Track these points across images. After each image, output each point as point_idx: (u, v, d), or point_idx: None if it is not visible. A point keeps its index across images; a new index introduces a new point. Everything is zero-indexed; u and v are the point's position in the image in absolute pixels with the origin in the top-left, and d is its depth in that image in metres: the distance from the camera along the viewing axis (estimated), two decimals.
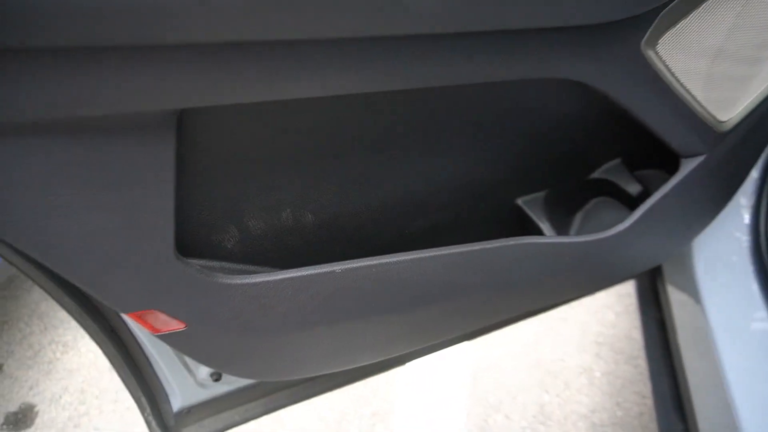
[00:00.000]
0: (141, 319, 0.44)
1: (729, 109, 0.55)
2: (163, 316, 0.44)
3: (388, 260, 0.50)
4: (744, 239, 0.84)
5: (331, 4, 0.31)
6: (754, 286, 0.78)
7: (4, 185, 0.33)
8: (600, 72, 0.44)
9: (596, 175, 0.67)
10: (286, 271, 0.46)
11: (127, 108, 0.32)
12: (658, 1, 0.41)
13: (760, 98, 0.57)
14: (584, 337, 1.26)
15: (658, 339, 0.98)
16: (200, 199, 0.45)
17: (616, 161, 0.66)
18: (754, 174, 0.87)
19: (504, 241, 0.55)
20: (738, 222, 0.87)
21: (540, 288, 0.64)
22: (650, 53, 0.44)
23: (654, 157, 0.64)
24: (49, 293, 0.54)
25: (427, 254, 0.51)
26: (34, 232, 0.36)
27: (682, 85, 0.48)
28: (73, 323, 1.43)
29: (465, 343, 0.87)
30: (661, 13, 0.43)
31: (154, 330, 0.46)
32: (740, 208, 0.88)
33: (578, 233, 0.68)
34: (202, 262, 0.46)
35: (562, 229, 0.66)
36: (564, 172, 0.64)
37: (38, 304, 1.53)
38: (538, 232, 0.63)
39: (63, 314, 1.51)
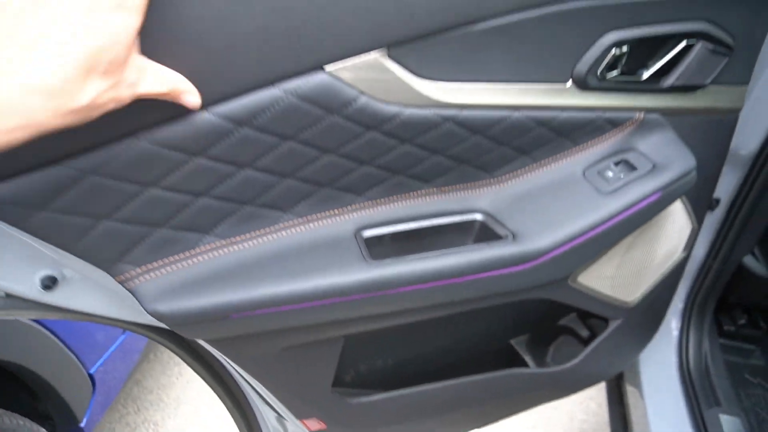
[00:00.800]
0: (303, 422, 0.82)
1: (632, 293, 0.94)
2: (317, 421, 0.82)
3: (434, 386, 0.88)
4: (674, 359, 1.21)
5: None
6: (681, 402, 1.13)
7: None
8: None
9: (562, 323, 1.05)
10: (386, 392, 0.85)
11: None
12: None
13: (655, 283, 0.96)
14: (571, 424, 1.61)
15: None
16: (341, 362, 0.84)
17: (573, 314, 1.04)
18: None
19: (502, 371, 0.93)
20: (669, 342, 1.23)
21: (526, 398, 1.02)
22: (573, 285, 0.83)
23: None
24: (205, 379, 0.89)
25: (463, 380, 0.89)
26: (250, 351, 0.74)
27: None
28: (162, 404, 1.79)
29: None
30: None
31: (308, 427, 0.83)
32: (671, 330, 1.25)
33: (551, 360, 1.05)
34: (339, 389, 0.85)
35: (540, 358, 1.04)
36: (541, 324, 1.03)
37: (131, 389, 1.90)
38: (524, 362, 1.01)
39: (152, 396, 1.87)
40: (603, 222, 0.71)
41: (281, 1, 0.47)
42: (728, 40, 0.71)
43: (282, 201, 0.62)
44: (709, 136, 0.82)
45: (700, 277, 1.17)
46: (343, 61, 0.53)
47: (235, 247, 0.62)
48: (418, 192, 0.70)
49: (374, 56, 0.54)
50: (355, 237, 0.66)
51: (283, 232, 0.64)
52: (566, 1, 0.60)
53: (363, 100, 0.55)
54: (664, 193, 0.72)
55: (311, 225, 0.65)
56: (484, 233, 0.72)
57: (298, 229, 0.65)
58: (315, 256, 0.63)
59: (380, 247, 0.68)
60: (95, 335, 1.47)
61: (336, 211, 0.66)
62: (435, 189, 0.71)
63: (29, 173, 0.46)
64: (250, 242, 0.63)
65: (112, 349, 1.51)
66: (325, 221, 0.66)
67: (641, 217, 0.74)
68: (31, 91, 0.35)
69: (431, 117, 0.60)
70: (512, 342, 1.03)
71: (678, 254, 0.95)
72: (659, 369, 1.20)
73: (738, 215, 1.08)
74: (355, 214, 0.67)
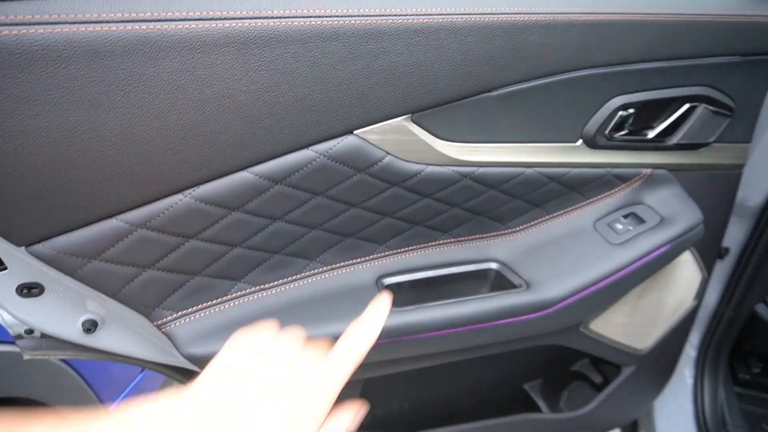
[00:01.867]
0: None
1: (644, 340, 0.96)
2: None
3: (449, 430, 0.89)
4: (689, 408, 1.21)
5: None
6: None
7: None
8: None
9: (575, 368, 1.06)
10: None
11: None
12: None
13: (667, 331, 0.98)
14: None
15: None
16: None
17: (586, 360, 1.06)
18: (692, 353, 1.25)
19: (516, 416, 0.94)
20: (684, 390, 1.23)
21: None
22: (586, 331, 0.86)
23: None
24: None
25: (477, 424, 0.90)
26: None
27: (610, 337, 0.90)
28: None
29: None
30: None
31: None
32: (686, 379, 1.25)
33: (565, 405, 1.06)
34: None
35: (553, 403, 1.05)
36: (554, 369, 1.05)
37: None
38: (537, 407, 1.02)
39: None
40: (613, 272, 0.74)
41: (317, 72, 0.52)
42: (729, 102, 0.75)
43: (309, 250, 0.66)
44: (715, 190, 0.85)
45: (713, 325, 1.18)
46: (371, 126, 0.58)
47: (265, 293, 0.66)
48: (437, 242, 0.74)
49: (399, 121, 0.59)
50: (377, 284, 0.70)
51: (310, 279, 0.68)
52: (575, 70, 0.65)
53: (388, 159, 0.60)
54: (673, 245, 0.76)
55: (336, 272, 0.69)
56: (499, 282, 0.75)
57: (323, 276, 0.68)
58: (339, 302, 0.67)
59: (400, 294, 0.71)
60: (113, 373, 1.50)
61: (359, 259, 0.70)
62: (452, 239, 0.75)
63: (87, 226, 0.51)
64: (279, 288, 0.67)
65: (130, 387, 1.53)
66: (348, 269, 0.70)
67: (651, 268, 0.77)
68: None
69: (450, 174, 0.65)
70: (526, 387, 1.04)
71: (689, 303, 0.97)
72: (675, 418, 1.20)
73: (748, 264, 1.10)
74: (376, 262, 0.71)
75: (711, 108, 0.74)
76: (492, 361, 0.96)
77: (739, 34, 0.70)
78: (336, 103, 0.54)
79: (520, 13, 0.57)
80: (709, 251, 0.93)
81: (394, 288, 0.71)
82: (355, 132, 0.57)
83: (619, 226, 0.77)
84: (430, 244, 0.74)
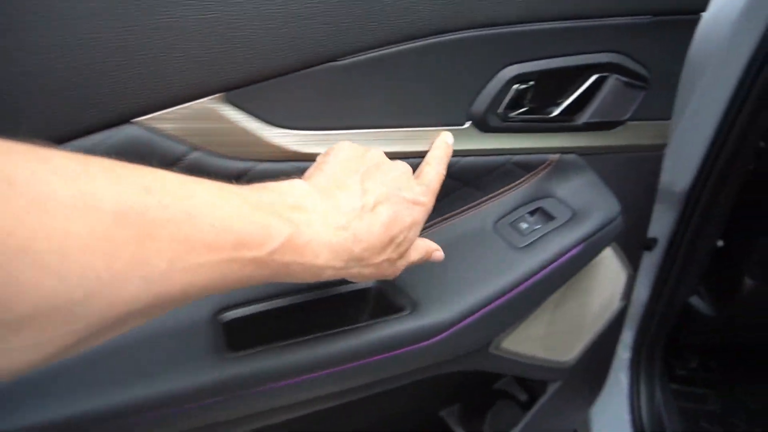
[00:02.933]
0: None
1: (569, 352, 0.84)
2: None
3: None
4: (626, 415, 1.11)
5: None
6: None
7: None
8: None
9: (497, 386, 0.93)
10: None
11: None
12: None
13: (594, 338, 0.86)
14: None
15: None
16: None
17: (509, 377, 0.93)
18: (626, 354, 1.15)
19: None
20: (620, 395, 1.13)
21: None
22: (496, 352, 0.72)
23: None
24: None
25: None
26: None
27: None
28: None
29: None
30: None
31: None
32: (621, 382, 1.15)
33: (489, 429, 0.93)
34: None
35: (476, 429, 0.92)
36: (473, 391, 0.91)
37: None
38: None
39: None
40: (520, 282, 0.60)
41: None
42: (643, 72, 0.63)
43: None
44: (635, 174, 0.73)
45: (646, 323, 1.08)
46: (162, 111, 0.41)
47: None
48: None
49: (206, 103, 0.43)
50: (213, 321, 0.54)
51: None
52: (452, 31, 0.50)
53: (195, 156, 0.44)
54: (589, 243, 0.63)
55: (160, 318, 0.52)
56: (381, 304, 0.60)
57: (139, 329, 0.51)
58: (160, 350, 0.50)
59: (245, 333, 0.55)
60: None
61: None
62: None
63: None
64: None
65: None
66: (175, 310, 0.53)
67: (565, 272, 0.64)
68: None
69: (292, 172, 0.49)
70: (442, 414, 0.91)
71: (616, 304, 0.86)
72: (612, 426, 1.10)
73: (678, 254, 1.01)
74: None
75: (623, 79, 0.62)
76: (396, 391, 0.81)
77: None
78: (104, 76, 0.38)
79: None
80: (633, 245, 0.82)
81: (236, 325, 0.55)
82: (134, 120, 0.41)
83: (524, 226, 0.63)
84: None
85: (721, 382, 1.25)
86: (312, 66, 0.46)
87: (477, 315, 0.59)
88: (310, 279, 0.36)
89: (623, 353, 1.12)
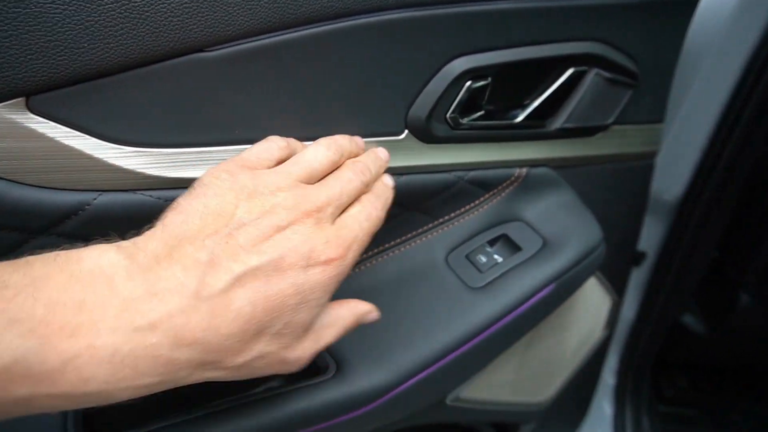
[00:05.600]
0: None
1: (543, 392, 0.72)
2: None
3: None
4: None
5: None
6: None
7: None
8: None
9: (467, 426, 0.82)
10: None
11: None
12: None
13: (572, 375, 0.75)
14: None
15: None
16: None
17: None
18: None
19: None
20: (604, 427, 1.02)
21: None
22: (455, 404, 0.60)
23: None
24: None
25: None
26: None
27: None
28: None
29: None
30: None
31: None
32: (604, 411, 1.04)
33: None
34: None
35: None
36: None
37: None
38: None
39: None
40: (478, 332, 0.48)
41: None
42: (631, 66, 0.51)
43: None
44: (620, 189, 0.62)
45: (632, 345, 0.97)
46: None
47: None
48: None
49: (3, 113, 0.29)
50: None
51: None
52: (374, 11, 0.37)
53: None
54: (562, 281, 0.51)
55: None
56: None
57: None
58: None
59: (130, 413, 0.42)
60: None
61: None
62: None
63: None
64: None
65: None
66: None
67: (534, 316, 0.52)
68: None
69: (153, 204, 0.36)
70: None
71: (597, 334, 0.74)
72: None
73: (670, 269, 0.89)
74: None
75: (606, 74, 0.50)
76: None
77: None
78: None
79: None
80: (618, 268, 0.70)
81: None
82: None
83: (484, 259, 0.51)
84: None
85: (712, 403, 1.15)
86: (171, 57, 0.32)
87: (423, 374, 0.47)
88: (87, 405, 0.24)
89: (608, 379, 1.01)
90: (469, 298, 0.48)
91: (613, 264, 0.67)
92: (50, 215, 0.33)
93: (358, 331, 0.46)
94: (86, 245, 0.27)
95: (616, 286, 0.71)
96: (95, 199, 0.33)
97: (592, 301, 0.68)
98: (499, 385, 0.64)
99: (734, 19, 0.66)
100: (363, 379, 0.45)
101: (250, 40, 0.34)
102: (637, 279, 0.92)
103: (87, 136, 0.32)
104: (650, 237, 0.87)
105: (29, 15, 0.28)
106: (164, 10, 0.31)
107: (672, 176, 0.80)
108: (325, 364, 0.46)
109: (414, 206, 0.49)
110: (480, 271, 0.50)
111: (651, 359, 1.02)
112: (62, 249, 0.26)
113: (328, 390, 0.44)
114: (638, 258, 0.89)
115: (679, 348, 1.07)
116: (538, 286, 0.49)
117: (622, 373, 1.01)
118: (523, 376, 0.66)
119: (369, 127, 0.42)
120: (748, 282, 0.96)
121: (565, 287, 0.51)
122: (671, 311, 0.96)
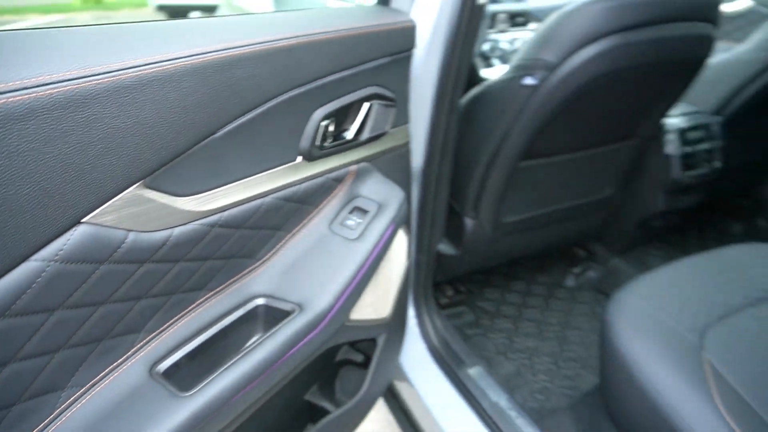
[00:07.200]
0: None
1: (387, 308, 1.09)
2: None
3: None
4: (422, 344, 1.44)
5: None
6: (441, 375, 1.36)
7: None
8: None
9: (338, 358, 1.13)
10: None
11: None
12: None
13: (398, 293, 1.13)
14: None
15: None
16: None
17: (344, 347, 1.14)
18: None
19: (310, 429, 0.95)
20: (414, 332, 1.46)
21: None
22: (349, 324, 0.92)
23: None
24: None
25: None
26: None
27: None
28: None
29: None
30: None
31: None
32: (411, 320, 1.48)
33: (342, 395, 1.12)
34: None
35: (331, 396, 1.10)
36: (323, 370, 1.09)
37: None
38: (324, 410, 1.06)
39: None
40: (362, 265, 0.81)
41: (16, 163, 0.40)
42: (391, 95, 0.90)
43: (55, 380, 0.52)
44: (398, 166, 1.01)
45: (418, 269, 1.42)
46: (102, 207, 0.48)
47: None
48: (196, 303, 0.67)
49: (133, 191, 0.50)
50: (152, 376, 0.60)
51: (67, 414, 0.53)
52: (282, 93, 0.67)
53: (131, 237, 0.51)
54: (395, 223, 0.87)
55: (97, 389, 0.56)
56: (271, 314, 0.73)
57: (82, 402, 0.55)
58: (119, 421, 0.55)
59: (183, 373, 0.63)
60: None
61: (119, 360, 0.58)
62: (210, 292, 0.69)
63: None
64: None
65: None
66: (111, 377, 0.57)
67: (385, 248, 0.88)
68: None
69: (198, 229, 0.59)
70: (307, 397, 1.06)
71: (404, 263, 1.14)
72: (415, 358, 1.41)
73: (425, 215, 1.35)
74: (140, 354, 0.61)
75: (381, 102, 0.87)
76: (282, 389, 0.94)
77: (386, 39, 0.83)
78: (51, 191, 0.43)
79: (228, 49, 0.55)
80: (407, 216, 1.11)
81: (172, 370, 0.62)
82: (84, 220, 0.47)
83: (351, 222, 0.84)
84: (189, 308, 0.67)
85: (470, 299, 1.71)
86: (200, 142, 0.57)
87: (343, 297, 0.78)
88: None
89: (410, 294, 1.44)
90: (351, 246, 0.81)
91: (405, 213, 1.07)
92: (153, 249, 0.54)
93: (300, 284, 0.75)
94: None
95: (408, 228, 1.11)
96: (173, 233, 0.56)
97: (401, 239, 1.07)
98: (365, 307, 0.98)
99: (424, 63, 1.11)
100: (313, 309, 0.74)
101: (232, 121, 0.60)
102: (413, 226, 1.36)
103: (168, 195, 0.54)
104: (413, 196, 1.31)
105: (147, 127, 0.50)
106: (197, 114, 0.55)
107: (416, 155, 1.25)
108: (290, 309, 0.73)
109: (305, 201, 0.79)
110: (352, 229, 0.83)
111: (431, 279, 1.48)
112: None
113: (297, 321, 0.72)
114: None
115: (443, 268, 1.56)
116: (384, 228, 0.85)
117: (415, 291, 1.46)
118: (376, 299, 1.01)
119: (283, 159, 0.71)
120: (467, 210, 1.49)
121: (396, 227, 0.88)
122: (434, 243, 1.43)
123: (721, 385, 0.84)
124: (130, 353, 0.59)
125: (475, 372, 1.34)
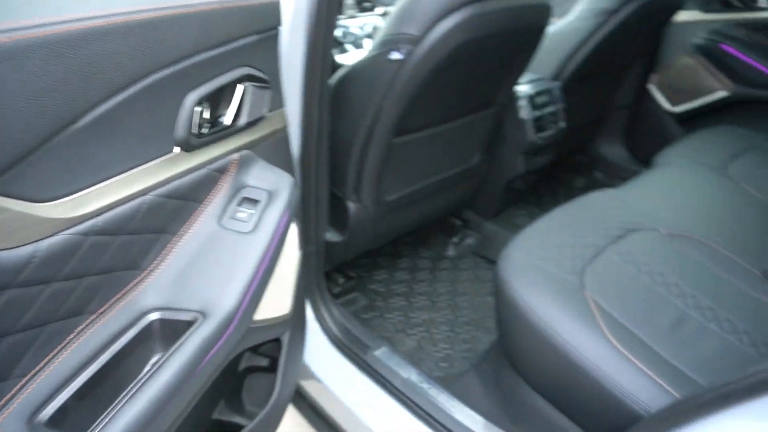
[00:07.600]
0: None
1: (287, 305, 1.03)
2: None
3: None
4: (323, 336, 1.39)
5: None
6: (346, 363, 1.32)
7: None
8: None
9: (241, 368, 1.05)
10: None
11: None
12: None
13: (295, 286, 1.08)
14: None
15: None
16: None
17: (246, 354, 1.06)
18: None
19: None
20: (314, 325, 1.41)
21: None
22: (253, 325, 0.85)
23: None
24: None
25: None
26: None
27: None
28: None
29: None
30: None
31: None
32: (309, 314, 1.43)
33: (251, 405, 1.05)
34: None
35: (241, 410, 1.02)
36: (225, 382, 1.00)
37: None
38: (237, 425, 0.97)
39: None
40: (263, 258, 0.75)
41: None
42: (264, 76, 0.84)
43: None
44: (280, 151, 0.96)
45: (307, 260, 1.37)
46: None
47: None
48: (75, 331, 0.57)
49: None
50: (33, 428, 0.49)
51: None
52: (148, 74, 0.58)
53: None
54: (289, 211, 0.82)
55: None
56: (170, 328, 0.65)
57: None
58: None
59: (73, 418, 0.52)
60: None
61: None
62: (92, 316, 0.59)
63: None
64: None
65: None
66: None
67: (283, 238, 0.82)
68: None
69: (70, 239, 0.49)
70: (215, 416, 0.97)
71: (297, 254, 1.09)
72: (319, 351, 1.37)
73: (309, 204, 1.31)
74: (14, 403, 0.49)
75: (255, 84, 0.81)
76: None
77: (253, 15, 0.77)
78: None
79: (81, 20, 0.46)
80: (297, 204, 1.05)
81: (58, 417, 0.51)
82: None
83: (242, 215, 0.77)
84: (70, 337, 0.56)
85: (361, 284, 1.70)
86: (57, 134, 0.47)
87: (248, 295, 0.71)
88: None
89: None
90: (248, 239, 0.75)
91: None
92: (13, 271, 0.44)
93: (197, 290, 0.68)
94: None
95: (297, 218, 1.06)
96: (40, 247, 0.45)
97: (290, 231, 1.02)
98: (266, 305, 0.91)
99: (289, 42, 1.06)
100: (219, 313, 0.66)
101: (93, 107, 0.50)
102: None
103: (25, 201, 0.44)
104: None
105: None
106: (51, 100, 0.45)
107: (293, 141, 1.19)
108: (192, 318, 0.65)
109: (188, 197, 0.70)
110: (244, 222, 0.76)
111: (322, 270, 1.44)
112: None
113: (203, 329, 0.64)
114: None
115: (331, 257, 1.53)
116: (279, 216, 0.79)
117: (311, 285, 1.41)
118: (275, 296, 0.95)
119: (158, 151, 0.62)
120: (348, 193, 1.47)
121: (291, 214, 0.83)
122: (321, 232, 1.39)
123: (605, 316, 0.92)
124: (1, 404, 0.48)
125: (381, 353, 1.33)
